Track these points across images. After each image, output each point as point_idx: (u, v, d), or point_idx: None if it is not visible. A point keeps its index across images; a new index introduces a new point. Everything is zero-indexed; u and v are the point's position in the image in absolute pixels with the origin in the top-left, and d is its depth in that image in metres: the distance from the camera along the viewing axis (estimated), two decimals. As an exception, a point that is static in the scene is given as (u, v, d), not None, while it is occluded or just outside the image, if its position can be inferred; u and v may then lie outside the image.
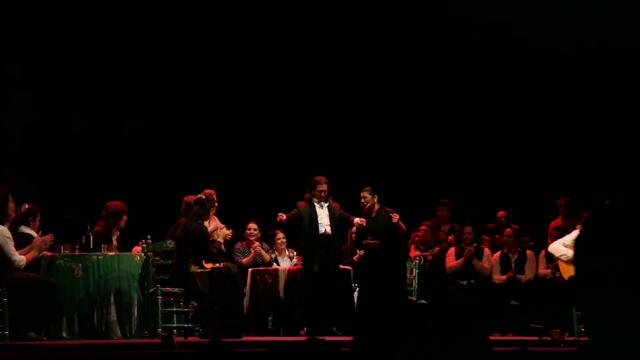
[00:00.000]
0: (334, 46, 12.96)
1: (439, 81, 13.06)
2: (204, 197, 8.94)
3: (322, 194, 10.13)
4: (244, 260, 10.56)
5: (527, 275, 10.68)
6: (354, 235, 10.79)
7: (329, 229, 10.13)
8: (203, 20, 12.74)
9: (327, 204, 10.18)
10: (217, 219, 9.84)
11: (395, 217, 10.27)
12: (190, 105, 12.75)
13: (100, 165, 12.19)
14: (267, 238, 11.01)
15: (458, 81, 13.02)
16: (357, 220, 10.26)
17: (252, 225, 10.78)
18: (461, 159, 13.01)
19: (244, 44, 12.82)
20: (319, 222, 10.11)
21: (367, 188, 10.41)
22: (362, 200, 10.39)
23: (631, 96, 12.39)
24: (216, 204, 9.32)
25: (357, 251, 10.72)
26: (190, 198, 9.55)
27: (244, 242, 10.81)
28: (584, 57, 12.53)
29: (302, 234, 10.18)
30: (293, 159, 12.70)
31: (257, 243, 10.75)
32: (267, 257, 10.71)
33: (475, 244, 10.84)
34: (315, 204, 10.17)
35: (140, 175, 12.17)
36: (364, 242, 10.38)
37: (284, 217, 9.98)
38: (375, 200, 10.35)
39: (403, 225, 10.40)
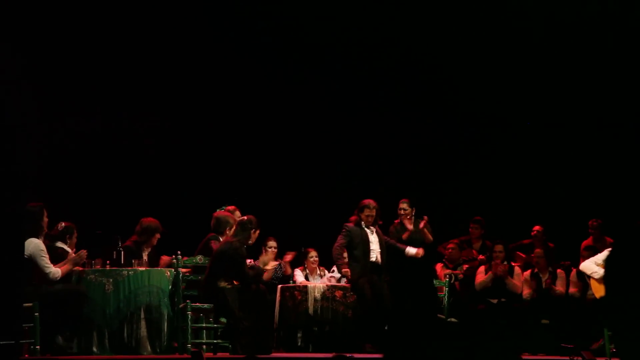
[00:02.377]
0: (364, 65, 12.98)
1: (476, 97, 13.03)
2: (245, 219, 8.97)
3: (369, 219, 9.97)
4: (264, 275, 10.58)
5: (560, 289, 10.59)
6: (404, 212, 10.44)
7: (379, 257, 9.98)
8: (234, 45, 12.80)
9: (375, 228, 10.04)
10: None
11: (422, 223, 10.20)
12: (220, 123, 12.80)
13: (131, 181, 12.26)
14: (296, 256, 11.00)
15: (497, 98, 12.99)
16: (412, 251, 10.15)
17: (272, 243, 10.79)
18: (498, 176, 12.97)
19: (274, 63, 12.88)
20: (371, 248, 9.96)
21: (406, 200, 10.35)
22: (402, 211, 10.31)
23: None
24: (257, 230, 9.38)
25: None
26: (220, 214, 9.60)
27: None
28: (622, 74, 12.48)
29: (351, 257, 10.01)
30: (317, 174, 12.73)
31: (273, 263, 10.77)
32: (289, 270, 10.73)
33: (506, 262, 10.78)
34: (366, 228, 10.00)
35: (170, 191, 12.23)
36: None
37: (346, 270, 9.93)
38: (413, 213, 10.32)
39: (429, 234, 10.33)
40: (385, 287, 9.89)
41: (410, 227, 10.24)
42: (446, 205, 12.42)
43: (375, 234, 10.01)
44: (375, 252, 9.93)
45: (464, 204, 12.59)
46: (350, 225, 10.01)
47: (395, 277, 10.22)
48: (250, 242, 9.00)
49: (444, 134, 13.12)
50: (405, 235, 10.28)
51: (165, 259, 9.39)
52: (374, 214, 9.97)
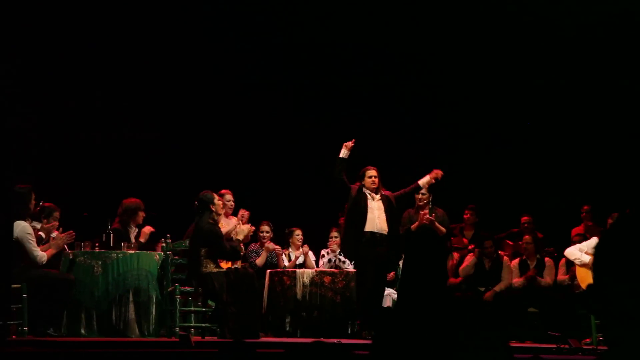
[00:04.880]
0: (359, 49, 12.94)
1: (463, 87, 13.04)
2: (197, 202, 8.90)
3: (374, 179, 9.50)
4: (257, 260, 10.57)
5: (546, 280, 10.63)
6: (422, 197, 10.20)
7: (384, 226, 9.48)
8: (224, 21, 12.77)
9: (379, 195, 9.56)
10: (234, 218, 9.85)
11: (424, 215, 9.99)
12: (209, 106, 12.78)
13: (122, 164, 12.23)
14: (282, 238, 10.98)
15: (484, 88, 13.00)
16: (426, 179, 9.69)
17: (265, 227, 10.78)
18: (488, 164, 12.99)
19: (262, 45, 12.84)
20: (368, 217, 9.45)
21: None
22: (419, 196, 10.10)
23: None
24: (232, 203, 9.33)
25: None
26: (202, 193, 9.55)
27: (257, 244, 10.81)
28: (612, 60, 12.49)
29: (346, 225, 9.68)
30: (309, 160, 12.71)
31: (272, 245, 10.72)
32: (282, 262, 10.70)
33: (495, 255, 10.81)
34: (367, 194, 9.53)
35: (161, 174, 12.21)
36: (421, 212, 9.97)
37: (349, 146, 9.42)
38: (431, 199, 10.26)
39: (440, 227, 10.24)
40: (384, 267, 9.59)
41: (441, 229, 10.11)
42: (439, 193, 12.42)
43: (378, 201, 9.55)
44: (375, 221, 9.47)
45: (456, 192, 12.57)
46: (354, 186, 9.55)
47: (406, 268, 10.09)
48: (219, 212, 8.93)
49: (438, 127, 13.13)
50: (414, 226, 10.10)
51: (145, 230, 9.35)
52: (376, 174, 9.53)
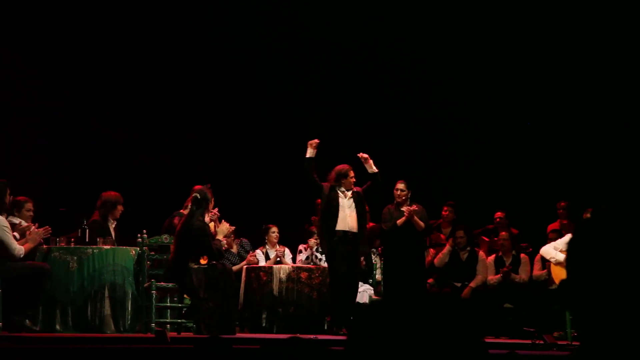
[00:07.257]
0: (338, 46, 12.93)
1: (440, 82, 13.06)
2: (198, 195, 8.87)
3: (353, 180, 9.52)
4: (235, 268, 10.53)
5: (521, 276, 10.69)
6: (401, 193, 10.17)
7: (354, 224, 9.50)
8: (211, 14, 12.74)
9: (350, 193, 9.55)
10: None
11: (407, 211, 9.95)
12: (185, 103, 12.74)
13: (98, 160, 12.18)
14: (258, 235, 10.96)
15: (460, 82, 13.02)
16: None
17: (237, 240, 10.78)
18: (464, 160, 13.02)
19: (249, 40, 12.82)
20: (340, 215, 9.46)
21: (403, 181, 10.15)
22: (398, 192, 10.10)
23: (631, 99, 12.43)
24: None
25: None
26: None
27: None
28: (586, 59, 12.55)
29: (320, 224, 9.68)
30: (284, 157, 12.71)
31: (252, 254, 10.70)
32: (255, 260, 10.69)
33: (469, 248, 10.84)
34: (340, 192, 9.52)
35: (137, 170, 12.17)
36: (404, 208, 9.94)
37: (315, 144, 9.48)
38: (409, 195, 10.24)
39: (420, 222, 10.22)
40: (357, 265, 9.59)
41: (420, 224, 10.04)
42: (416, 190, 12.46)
43: (349, 199, 9.54)
44: (347, 219, 9.47)
45: (433, 189, 12.62)
46: (326, 184, 9.56)
47: (386, 262, 10.07)
48: (208, 213, 8.91)
49: (413, 121, 13.15)
50: (400, 222, 10.05)
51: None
52: (353, 175, 9.55)
